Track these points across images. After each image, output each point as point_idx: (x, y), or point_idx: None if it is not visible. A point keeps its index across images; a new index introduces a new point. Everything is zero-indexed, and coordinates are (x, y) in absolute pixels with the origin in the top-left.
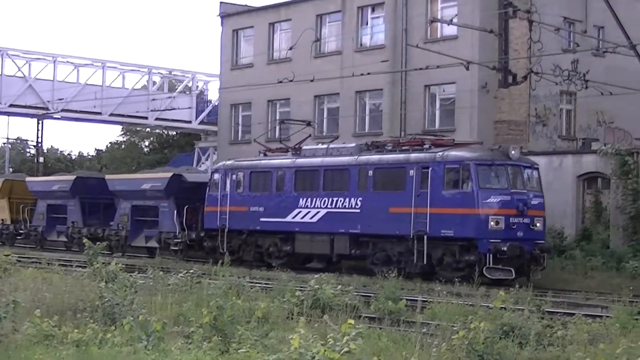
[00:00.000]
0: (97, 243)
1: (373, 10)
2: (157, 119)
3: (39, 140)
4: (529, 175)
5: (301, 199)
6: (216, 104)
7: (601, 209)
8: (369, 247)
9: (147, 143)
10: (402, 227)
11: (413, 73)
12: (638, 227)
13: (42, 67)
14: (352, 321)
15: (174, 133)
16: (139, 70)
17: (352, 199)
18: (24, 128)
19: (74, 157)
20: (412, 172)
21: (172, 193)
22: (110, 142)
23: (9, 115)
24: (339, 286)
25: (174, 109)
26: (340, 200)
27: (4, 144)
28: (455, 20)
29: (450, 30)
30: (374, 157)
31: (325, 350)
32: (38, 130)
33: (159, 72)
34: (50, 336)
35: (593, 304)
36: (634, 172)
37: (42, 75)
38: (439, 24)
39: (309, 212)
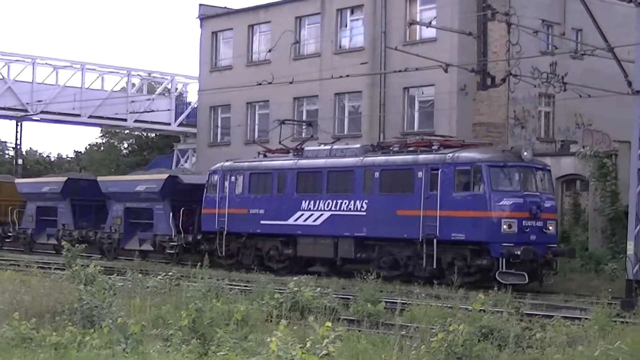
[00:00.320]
0: (75, 246)
1: (352, 12)
2: (136, 120)
3: (18, 142)
4: (541, 177)
5: (304, 201)
6: (195, 106)
7: (580, 211)
8: (375, 250)
9: (126, 145)
10: (411, 230)
11: (392, 75)
12: (616, 229)
13: (21, 68)
14: (329, 324)
15: (153, 135)
16: (118, 72)
17: (358, 202)
18: (2, 130)
19: (53, 159)
20: (420, 174)
21: (167, 195)
22: (89, 144)
23: None
24: (318, 288)
25: (153, 111)
26: (345, 203)
27: None
28: (434, 22)
29: (429, 32)
30: (380, 159)
31: (303, 353)
32: (17, 132)
33: (138, 74)
34: (29, 339)
35: (572, 306)
36: (612, 174)
37: (21, 77)
38: (417, 27)
39: (311, 214)
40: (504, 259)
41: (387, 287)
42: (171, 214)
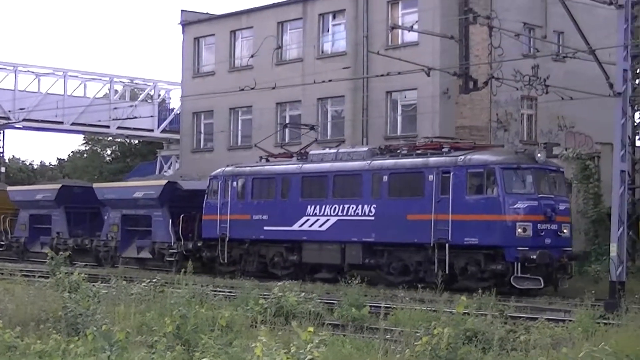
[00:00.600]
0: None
1: (334, 17)
2: (119, 127)
3: (0, 150)
4: (554, 179)
5: (309, 206)
6: (178, 112)
7: None
8: (384, 256)
9: (109, 152)
10: (421, 235)
11: (374, 79)
12: (600, 231)
13: (3, 76)
14: (311, 329)
15: (136, 142)
16: (100, 79)
17: (366, 206)
18: None
19: (36, 167)
20: (431, 177)
21: (166, 201)
22: (72, 152)
23: None
24: (303, 294)
25: (135, 117)
26: (352, 207)
27: None
28: (415, 26)
29: (411, 36)
30: (389, 162)
31: (288, 358)
32: None
33: (120, 81)
34: (13, 347)
35: (556, 309)
36: (595, 176)
37: (3, 84)
38: (399, 31)
39: (317, 220)
40: (519, 264)
41: (371, 292)
42: (170, 220)
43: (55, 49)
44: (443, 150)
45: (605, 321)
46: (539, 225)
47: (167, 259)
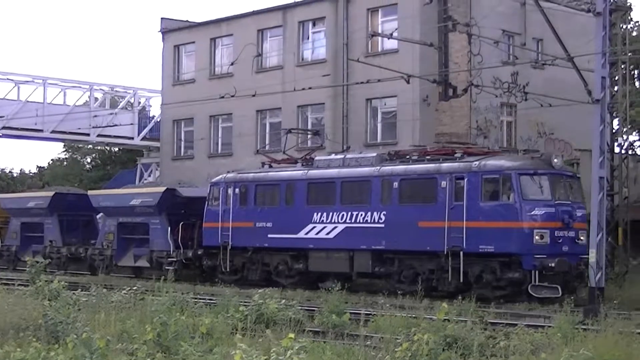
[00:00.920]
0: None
1: (314, 24)
2: (99, 135)
3: None
4: (571, 185)
5: (315, 214)
6: (158, 119)
7: None
8: (395, 264)
9: (89, 160)
10: (434, 242)
11: (354, 87)
12: None
13: None
14: (292, 335)
15: (116, 149)
16: (80, 87)
17: (375, 213)
18: None
19: (15, 175)
20: (444, 183)
21: (164, 209)
22: (51, 159)
23: None
24: (283, 300)
25: (116, 125)
26: (361, 215)
27: None
28: (395, 34)
29: (391, 44)
30: (399, 168)
31: None
32: None
33: (100, 89)
34: None
35: (535, 314)
36: None
37: None
38: (379, 38)
39: (324, 227)
40: (536, 272)
41: (352, 299)
42: (169, 228)
43: (34, 56)
44: (456, 155)
45: (584, 327)
46: (556, 232)
47: (166, 267)
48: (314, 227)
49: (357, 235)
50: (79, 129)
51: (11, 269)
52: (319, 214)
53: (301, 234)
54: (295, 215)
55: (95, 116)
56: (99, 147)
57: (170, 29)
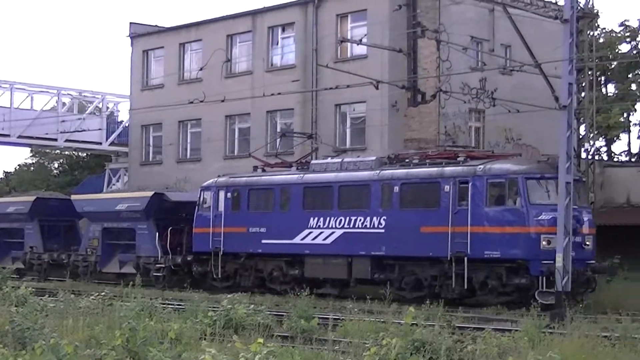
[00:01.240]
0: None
1: (283, 30)
2: (66, 140)
3: None
4: (577, 189)
5: (312, 219)
6: (126, 125)
7: None
8: (395, 270)
9: (56, 165)
10: (437, 248)
11: (323, 92)
12: None
13: None
14: (261, 340)
15: (84, 155)
16: (47, 92)
17: (375, 218)
18: None
19: None
20: (447, 188)
21: (152, 214)
22: (18, 165)
23: None
24: (252, 306)
25: (84, 130)
26: (360, 220)
27: None
28: (364, 40)
29: (360, 49)
30: (400, 172)
31: None
32: None
33: (68, 94)
34: None
35: (503, 319)
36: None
37: None
38: (349, 44)
39: (321, 232)
40: (544, 278)
41: (320, 303)
42: (157, 233)
43: (1, 61)
44: (459, 159)
45: (550, 330)
46: None
47: (154, 274)
48: (311, 232)
49: (356, 241)
50: (47, 134)
51: None
52: (316, 219)
53: (297, 240)
54: (291, 220)
55: (63, 121)
56: (66, 152)
57: (139, 33)
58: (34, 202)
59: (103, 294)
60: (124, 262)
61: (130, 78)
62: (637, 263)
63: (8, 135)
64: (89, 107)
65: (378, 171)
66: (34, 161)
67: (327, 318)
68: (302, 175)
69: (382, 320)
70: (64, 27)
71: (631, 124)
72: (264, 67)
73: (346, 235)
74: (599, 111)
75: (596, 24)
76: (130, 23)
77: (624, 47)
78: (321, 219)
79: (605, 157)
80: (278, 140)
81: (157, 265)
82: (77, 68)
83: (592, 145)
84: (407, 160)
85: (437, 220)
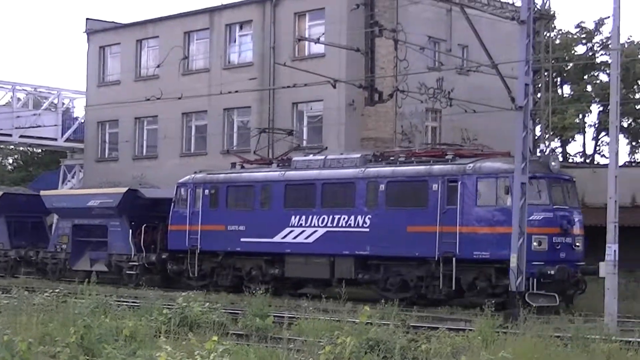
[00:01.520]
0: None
1: (241, 28)
2: (21, 136)
3: None
4: (568, 189)
5: (293, 217)
6: (82, 121)
7: None
8: (380, 270)
9: (11, 161)
10: (425, 248)
11: (281, 90)
12: None
13: None
14: (216, 338)
15: (39, 151)
16: (2, 87)
17: (359, 217)
18: None
19: None
20: (435, 186)
21: (125, 210)
22: None
23: None
24: (207, 304)
25: (39, 126)
26: (344, 218)
27: None
28: (322, 38)
29: (318, 48)
30: (386, 170)
31: None
32: None
33: (23, 89)
34: None
35: (457, 318)
36: None
37: None
38: (306, 42)
39: (303, 231)
40: (535, 279)
41: (276, 302)
42: (130, 231)
43: None
44: (447, 157)
45: (504, 330)
46: (554, 238)
47: (127, 272)
48: (292, 230)
49: (339, 240)
50: (1, 129)
51: None
52: (298, 217)
53: (277, 238)
54: (272, 219)
55: (18, 117)
56: (21, 148)
57: (96, 29)
58: (1, 197)
59: (57, 290)
60: (95, 260)
61: (87, 74)
62: (594, 264)
63: None
64: (44, 102)
65: (363, 169)
66: None
67: (283, 316)
68: (283, 172)
69: (336, 319)
70: (20, 22)
71: (586, 125)
72: (222, 64)
73: (329, 234)
74: (554, 112)
75: (552, 26)
76: (87, 19)
77: (580, 49)
78: (303, 217)
79: (560, 158)
80: (258, 136)
81: (130, 264)
82: (32, 63)
83: (548, 146)
84: (392, 158)
85: (424, 219)
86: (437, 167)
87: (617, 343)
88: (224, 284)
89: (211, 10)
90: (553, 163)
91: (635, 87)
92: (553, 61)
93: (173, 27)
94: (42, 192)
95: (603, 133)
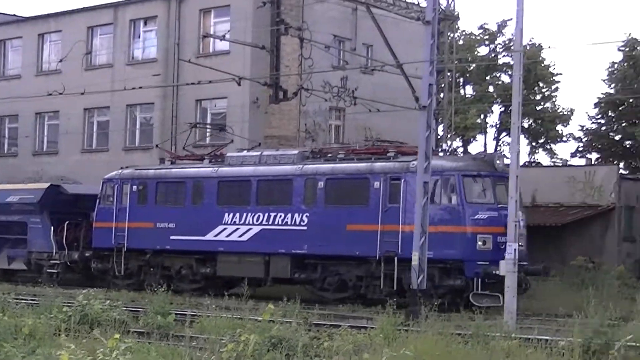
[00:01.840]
0: None
1: (145, 23)
2: None
3: None
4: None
5: (226, 215)
6: None
7: None
8: (318, 270)
9: None
10: (365, 247)
11: (185, 87)
12: None
13: None
14: (118, 335)
15: None
16: None
17: (296, 215)
18: None
19: None
20: (377, 184)
21: (47, 207)
22: None
23: None
24: (108, 301)
25: None
26: (280, 216)
27: None
28: (227, 35)
29: (223, 45)
30: (325, 167)
31: None
32: None
33: None
34: None
35: (358, 316)
36: None
37: None
38: (211, 39)
39: (237, 229)
40: (479, 279)
41: (177, 300)
42: (52, 228)
43: None
44: (389, 154)
45: (405, 328)
46: (499, 237)
47: (47, 270)
48: (225, 228)
49: (275, 238)
50: None
51: None
52: (231, 214)
53: (209, 236)
54: (203, 216)
55: None
56: None
57: None
58: None
59: None
60: (13, 257)
61: None
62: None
63: None
64: None
65: (301, 165)
66: None
67: (185, 314)
68: (216, 168)
69: (239, 317)
70: None
71: (488, 125)
72: (125, 60)
73: (264, 232)
74: (457, 112)
75: (456, 27)
76: None
77: (483, 50)
78: (237, 214)
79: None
80: (189, 132)
81: (52, 262)
82: None
83: (450, 146)
84: (330, 155)
85: (365, 218)
86: (378, 165)
87: (516, 340)
88: (152, 283)
89: (115, 5)
90: (498, 161)
91: (536, 88)
92: (456, 62)
93: (76, 22)
94: None
95: (504, 133)
